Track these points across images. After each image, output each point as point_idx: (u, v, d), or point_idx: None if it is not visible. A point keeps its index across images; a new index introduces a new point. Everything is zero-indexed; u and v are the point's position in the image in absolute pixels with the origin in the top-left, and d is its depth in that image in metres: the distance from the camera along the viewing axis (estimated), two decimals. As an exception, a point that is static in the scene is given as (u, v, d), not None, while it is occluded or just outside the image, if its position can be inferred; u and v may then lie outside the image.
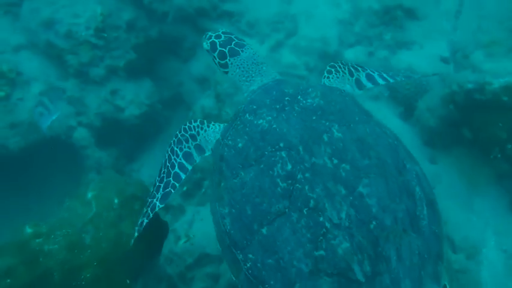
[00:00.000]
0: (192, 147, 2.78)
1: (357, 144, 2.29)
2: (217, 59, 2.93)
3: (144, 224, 2.61)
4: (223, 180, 2.42)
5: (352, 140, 2.30)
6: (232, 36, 2.99)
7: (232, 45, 2.93)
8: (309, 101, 2.47)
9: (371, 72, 3.05)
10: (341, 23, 5.43)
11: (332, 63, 3.02)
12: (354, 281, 2.01)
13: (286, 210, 2.16)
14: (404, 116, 4.84)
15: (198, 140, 2.78)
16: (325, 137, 2.28)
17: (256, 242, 2.21)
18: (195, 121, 2.82)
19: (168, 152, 2.77)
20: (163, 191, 2.68)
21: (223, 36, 2.96)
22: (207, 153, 2.76)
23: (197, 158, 2.77)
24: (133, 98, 5.11)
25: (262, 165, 2.29)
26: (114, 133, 5.26)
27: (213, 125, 2.81)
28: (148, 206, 2.64)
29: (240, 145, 2.42)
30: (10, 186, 5.07)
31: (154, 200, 2.64)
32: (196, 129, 2.81)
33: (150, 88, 5.30)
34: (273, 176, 2.24)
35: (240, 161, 2.38)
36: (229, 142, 2.48)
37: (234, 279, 2.33)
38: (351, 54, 5.26)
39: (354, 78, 3.00)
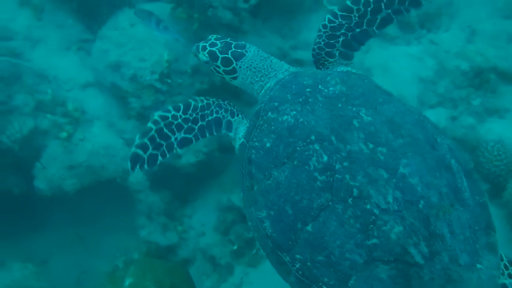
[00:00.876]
0: (226, 117, 2.69)
1: (387, 125, 2.23)
2: (222, 67, 2.73)
3: (158, 162, 2.44)
4: (256, 184, 2.34)
5: (382, 121, 2.24)
6: (228, 40, 2.81)
7: (233, 48, 2.74)
8: (330, 89, 2.39)
9: (344, 38, 2.77)
10: (422, 81, 4.90)
11: (313, 58, 2.82)
12: (412, 265, 1.97)
13: (330, 203, 2.10)
14: (490, 194, 4.21)
15: (234, 119, 2.70)
16: (355, 123, 2.22)
17: (302, 241, 2.16)
18: (233, 107, 2.74)
19: (203, 102, 2.64)
20: (184, 133, 2.57)
21: (219, 43, 2.76)
22: (231, 134, 2.65)
23: (223, 130, 2.65)
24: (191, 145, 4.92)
25: (295, 162, 2.22)
26: (169, 177, 5.12)
27: (246, 119, 2.72)
28: (163, 139, 2.48)
29: (268, 145, 2.34)
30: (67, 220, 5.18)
31: (173, 138, 2.52)
32: (237, 112, 2.74)
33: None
34: (309, 171, 2.17)
35: (270, 161, 2.31)
36: (256, 144, 2.40)
37: (284, 282, 2.25)
38: (431, 117, 4.71)
39: (337, 56, 2.81)
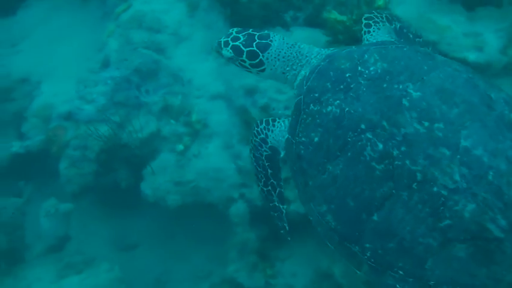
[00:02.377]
0: (267, 150, 2.70)
1: (438, 95, 2.11)
2: (248, 61, 2.65)
3: (287, 228, 2.73)
4: (310, 179, 2.30)
5: (432, 93, 2.12)
6: (250, 31, 2.69)
7: (258, 40, 2.64)
8: (371, 69, 2.27)
9: (403, 26, 2.84)
10: None
11: (367, 15, 2.80)
12: (492, 240, 1.90)
13: (393, 191, 2.04)
14: None
15: (269, 142, 2.68)
16: (405, 102, 2.11)
17: (369, 230, 2.11)
18: (261, 123, 2.71)
19: (253, 162, 2.77)
20: (274, 192, 2.72)
21: (241, 36, 2.66)
22: (282, 154, 2.64)
23: (279, 155, 2.68)
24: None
25: (349, 154, 2.16)
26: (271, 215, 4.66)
27: (278, 122, 2.67)
28: (276, 212, 2.73)
29: (316, 139, 2.29)
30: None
31: (276, 202, 2.72)
32: (264, 132, 2.70)
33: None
34: (365, 161, 2.10)
35: (322, 155, 2.25)
36: (303, 139, 2.35)
37: (357, 272, 2.22)
38: None
39: (393, 26, 2.78)
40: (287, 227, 2.71)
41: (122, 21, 4.79)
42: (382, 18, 2.82)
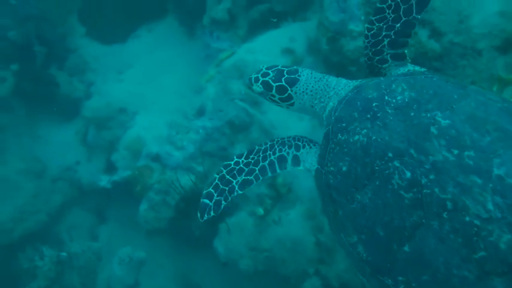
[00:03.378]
0: (291, 154, 2.68)
1: (469, 123, 2.04)
2: (278, 95, 2.72)
3: (222, 206, 2.53)
4: (340, 209, 2.28)
5: (462, 121, 2.05)
6: (279, 67, 2.75)
7: (286, 75, 2.70)
8: (398, 98, 2.24)
9: (389, 39, 2.62)
10: None
11: (363, 58, 2.74)
12: None
13: (423, 220, 1.98)
14: None
15: (300, 152, 2.67)
16: (433, 130, 2.07)
17: (401, 261, 2.05)
18: (306, 137, 2.72)
19: (267, 144, 2.71)
20: (245, 176, 2.62)
21: (271, 72, 2.72)
22: (300, 168, 2.64)
23: (289, 166, 2.66)
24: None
25: (377, 182, 2.13)
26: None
27: (316, 147, 2.67)
28: (226, 185, 2.58)
29: (344, 168, 2.28)
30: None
31: (234, 182, 2.59)
32: (303, 143, 2.69)
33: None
34: (393, 190, 2.07)
35: (350, 184, 2.24)
36: (331, 168, 2.35)
37: None
38: None
39: (389, 57, 2.66)
40: (222, 205, 2.55)
41: (223, 68, 4.73)
42: (378, 66, 2.72)
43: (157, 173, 4.53)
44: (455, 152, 2.00)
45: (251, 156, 2.68)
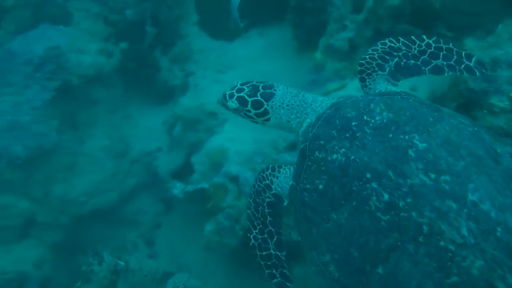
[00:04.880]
0: (271, 196, 2.69)
1: (444, 147, 2.10)
2: (253, 111, 2.66)
3: (288, 272, 2.62)
4: (314, 227, 2.27)
5: (438, 145, 2.11)
6: (254, 82, 2.74)
7: (262, 90, 2.68)
8: (377, 118, 2.26)
9: (399, 60, 2.75)
10: None
11: (359, 68, 2.74)
12: None
13: (399, 243, 1.98)
14: None
15: (273, 189, 2.68)
16: (411, 153, 2.10)
17: (374, 283, 2.03)
18: (267, 169, 2.72)
19: (251, 205, 2.75)
20: (271, 240, 2.68)
21: (245, 87, 2.70)
22: (285, 203, 2.63)
23: (281, 204, 2.66)
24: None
25: (354, 203, 2.12)
26: None
27: (284, 169, 2.69)
28: (270, 260, 2.67)
29: (320, 187, 2.26)
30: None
31: (272, 251, 2.68)
32: (269, 178, 2.71)
33: None
34: (371, 211, 2.06)
35: (326, 203, 2.22)
36: (307, 186, 2.33)
37: None
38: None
39: (387, 71, 2.74)
40: (287, 273, 2.64)
41: (328, 101, 4.29)
42: (374, 68, 2.74)
43: (231, 196, 4.28)
44: (432, 176, 2.02)
45: (256, 223, 2.74)
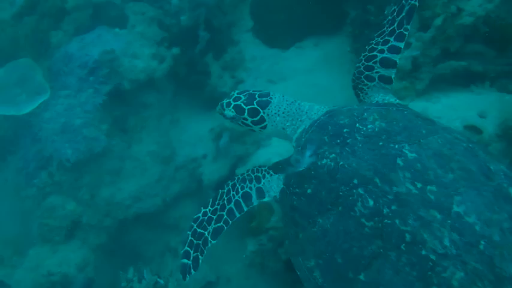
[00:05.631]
0: (253, 188, 2.67)
1: (434, 159, 2.10)
2: (250, 118, 2.71)
3: (200, 260, 2.51)
4: (301, 231, 2.27)
5: (428, 156, 2.11)
6: (251, 91, 2.79)
7: (258, 98, 2.72)
8: (369, 126, 2.30)
9: (383, 55, 2.72)
10: None
11: (352, 84, 2.83)
12: None
13: (381, 250, 1.99)
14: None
15: (262, 183, 2.66)
16: (399, 162, 2.11)
17: None
18: (264, 166, 2.71)
19: (228, 185, 2.71)
20: (215, 224, 2.61)
21: (242, 96, 2.74)
22: (266, 199, 2.63)
23: (255, 201, 2.64)
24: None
25: (340, 208, 2.14)
26: None
27: (278, 175, 2.64)
28: (199, 239, 2.57)
29: (309, 191, 2.28)
30: None
31: (206, 233, 2.59)
32: (263, 173, 2.68)
33: None
34: (355, 217, 2.08)
35: (314, 207, 2.23)
36: (296, 190, 2.34)
37: None
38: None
39: (376, 79, 2.74)
40: (200, 262, 2.53)
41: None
42: (363, 81, 2.77)
43: (276, 217, 4.11)
44: (419, 185, 2.02)
45: (216, 202, 2.66)
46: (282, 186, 2.52)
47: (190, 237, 2.59)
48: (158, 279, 3.15)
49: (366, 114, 2.36)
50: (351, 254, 2.05)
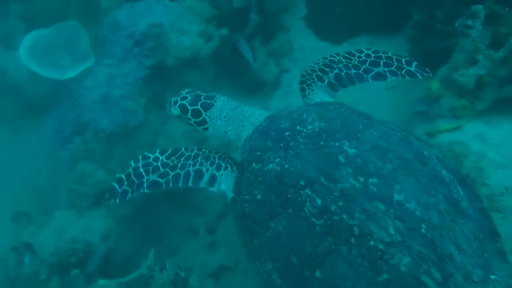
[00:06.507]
0: (209, 171, 2.70)
1: (373, 152, 2.21)
2: (193, 119, 2.79)
3: (127, 198, 2.64)
4: (255, 237, 2.32)
5: (366, 150, 2.22)
6: (199, 92, 2.88)
7: (203, 100, 2.80)
8: (309, 128, 2.39)
9: (339, 72, 2.91)
10: None
11: (301, 78, 2.95)
12: None
13: (333, 246, 2.06)
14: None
15: (220, 173, 2.68)
16: (341, 158, 2.20)
17: (313, 287, 2.10)
18: (233, 159, 2.74)
19: (193, 151, 2.76)
20: (157, 177, 2.67)
21: (189, 96, 2.84)
22: (213, 189, 2.68)
23: (203, 184, 2.69)
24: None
25: (290, 210, 2.19)
26: None
27: (233, 169, 2.68)
28: (137, 179, 2.68)
29: (259, 197, 2.33)
30: None
31: (145, 179, 2.68)
32: (227, 165, 2.72)
33: None
34: (306, 217, 2.14)
35: (265, 212, 2.28)
36: (247, 197, 2.39)
37: None
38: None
39: (326, 82, 2.90)
40: (128, 197, 2.66)
41: (436, 143, 3.76)
42: (314, 79, 2.88)
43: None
44: (361, 179, 2.11)
45: (172, 158, 2.69)
46: (232, 195, 2.54)
47: (130, 170, 2.71)
48: (179, 271, 3.11)
49: (305, 115, 2.45)
50: (305, 253, 2.11)
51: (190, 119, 2.82)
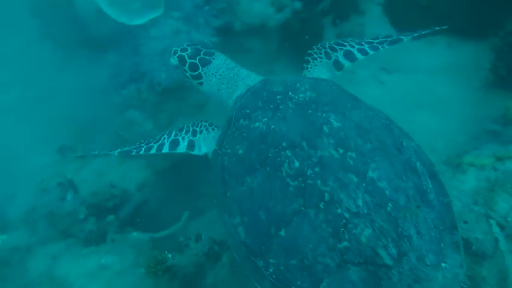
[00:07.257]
0: (186, 139, 2.96)
1: (356, 130, 2.32)
2: (189, 72, 2.96)
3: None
4: (229, 190, 2.40)
5: (350, 127, 2.33)
6: (199, 47, 3.02)
7: (202, 55, 2.96)
8: (300, 95, 2.50)
9: (350, 48, 3.12)
10: None
11: (309, 51, 3.13)
12: (382, 266, 2.01)
13: (302, 208, 2.16)
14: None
15: (197, 137, 2.94)
16: (325, 129, 2.31)
17: (275, 245, 2.18)
18: (206, 121, 3.04)
19: (171, 131, 3.11)
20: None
21: (189, 49, 3.00)
22: (194, 152, 2.93)
23: (183, 149, 2.94)
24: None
25: (268, 168, 2.29)
26: None
27: (215, 131, 2.95)
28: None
29: (240, 152, 2.42)
30: None
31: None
32: (201, 128, 2.99)
33: None
34: (282, 177, 2.24)
35: (243, 167, 2.37)
36: (228, 150, 2.48)
37: (258, 287, 2.24)
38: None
39: (332, 60, 3.11)
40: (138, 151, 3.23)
41: (508, 168, 3.50)
42: (321, 54, 3.12)
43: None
44: (341, 151, 2.22)
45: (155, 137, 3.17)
46: (215, 147, 2.63)
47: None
48: (214, 245, 3.10)
49: (298, 84, 2.56)
50: (274, 211, 2.20)
51: (186, 71, 2.99)
